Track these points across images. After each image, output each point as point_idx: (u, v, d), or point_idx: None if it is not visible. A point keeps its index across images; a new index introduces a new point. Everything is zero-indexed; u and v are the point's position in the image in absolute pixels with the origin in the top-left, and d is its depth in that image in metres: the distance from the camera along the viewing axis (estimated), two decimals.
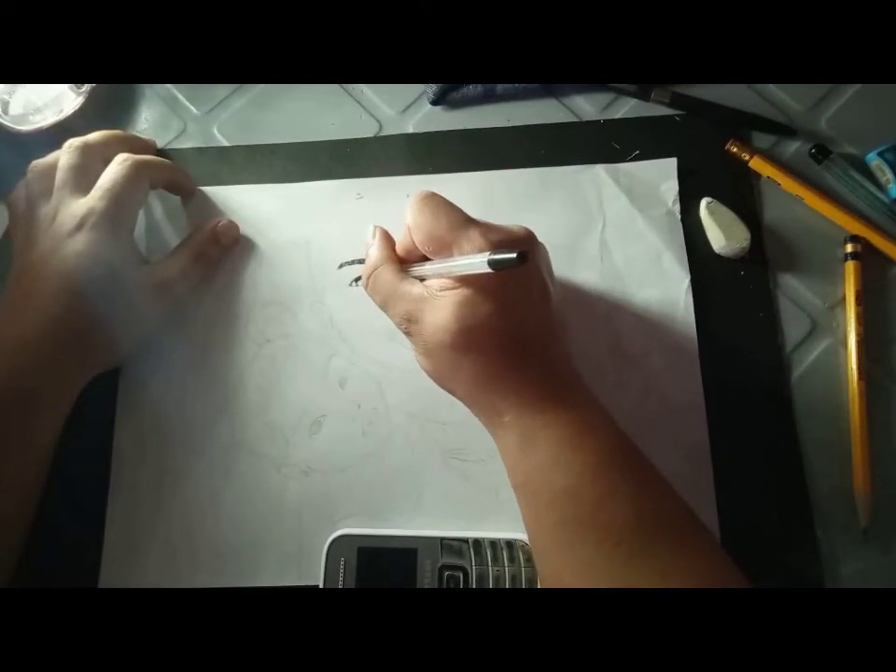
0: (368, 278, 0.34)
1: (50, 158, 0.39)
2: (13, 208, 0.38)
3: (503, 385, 0.30)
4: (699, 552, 0.28)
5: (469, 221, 0.30)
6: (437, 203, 0.31)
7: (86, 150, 0.38)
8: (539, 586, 0.33)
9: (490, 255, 0.26)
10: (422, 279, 0.32)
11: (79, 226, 0.35)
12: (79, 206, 0.36)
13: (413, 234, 0.31)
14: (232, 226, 0.40)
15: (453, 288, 0.29)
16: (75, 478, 0.37)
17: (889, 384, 0.37)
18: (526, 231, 0.31)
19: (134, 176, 0.37)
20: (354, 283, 0.40)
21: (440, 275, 0.30)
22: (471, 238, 0.29)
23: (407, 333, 0.32)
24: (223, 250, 0.40)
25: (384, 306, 0.33)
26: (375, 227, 0.35)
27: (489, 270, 0.26)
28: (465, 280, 0.29)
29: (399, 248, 0.34)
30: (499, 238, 0.29)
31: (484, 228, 0.30)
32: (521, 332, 0.30)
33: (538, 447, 0.29)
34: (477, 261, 0.27)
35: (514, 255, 0.25)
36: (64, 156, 0.38)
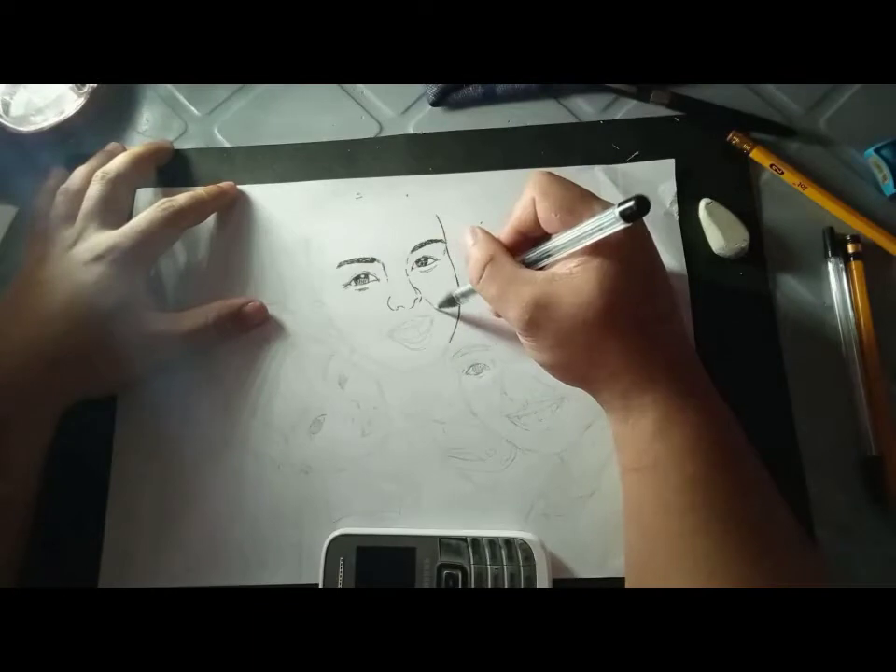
0: (481, 271, 0.32)
1: (79, 181, 0.39)
2: (33, 223, 0.39)
3: (651, 362, 0.29)
4: (808, 562, 0.29)
5: (597, 197, 0.30)
6: (561, 177, 0.31)
7: (116, 182, 0.38)
8: (625, 581, 0.32)
9: (617, 207, 0.26)
10: (539, 268, 0.31)
11: (98, 257, 0.35)
12: (104, 239, 0.36)
13: (541, 204, 0.31)
14: (259, 310, 0.39)
15: (586, 264, 0.29)
16: (75, 478, 0.37)
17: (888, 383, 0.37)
18: None
19: (170, 224, 0.37)
20: (441, 308, 0.39)
21: (565, 250, 0.29)
22: (596, 207, 0.29)
23: (531, 326, 0.30)
24: (244, 330, 0.39)
25: (502, 298, 0.31)
26: (474, 227, 0.34)
27: (621, 223, 0.26)
28: (597, 253, 0.29)
29: (510, 233, 0.33)
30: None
31: (604, 201, 0.30)
32: (659, 305, 0.30)
33: (675, 430, 0.29)
34: (607, 216, 0.27)
35: (634, 199, 0.25)
36: (94, 186, 0.38)
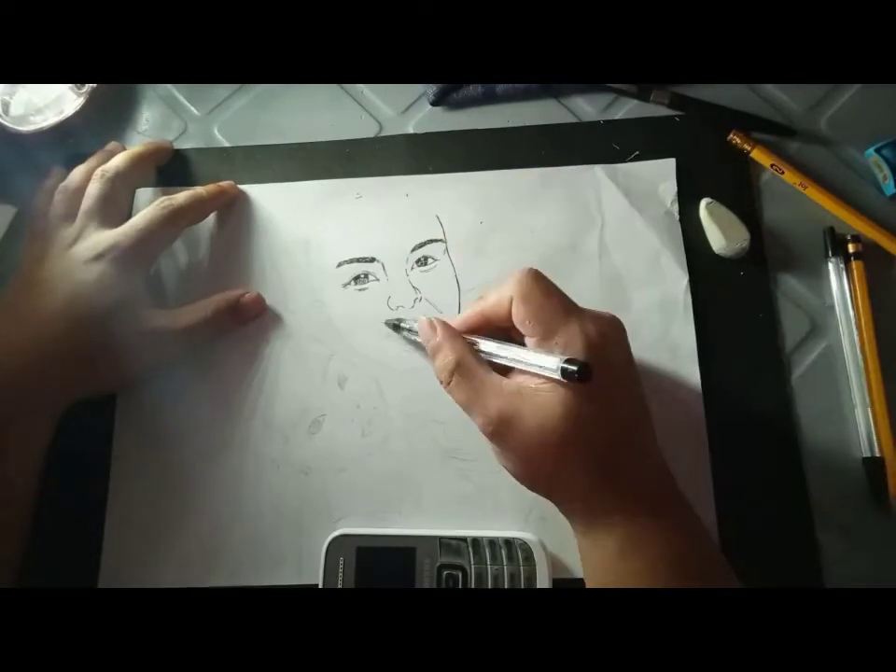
0: (450, 376, 0.31)
1: (78, 179, 0.39)
2: (33, 223, 0.39)
3: (616, 485, 0.28)
4: None
5: (576, 309, 0.30)
6: (549, 282, 0.31)
7: (115, 181, 0.38)
8: None
9: (561, 362, 0.27)
10: (502, 366, 0.30)
11: (98, 256, 0.35)
12: (104, 238, 0.36)
13: (518, 307, 0.30)
14: (257, 301, 0.39)
15: (550, 382, 0.28)
16: (75, 478, 0.37)
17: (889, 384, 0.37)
18: (615, 319, 0.31)
19: (169, 223, 0.37)
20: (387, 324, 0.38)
21: (526, 367, 0.29)
22: (570, 330, 0.29)
23: (496, 435, 0.29)
24: (243, 323, 0.39)
25: (469, 405, 0.30)
26: (430, 319, 0.33)
27: (559, 377, 0.27)
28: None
29: (476, 318, 0.32)
30: (595, 329, 0.29)
31: (587, 318, 0.30)
32: (628, 428, 0.29)
33: (639, 550, 0.28)
34: (549, 364, 0.27)
35: (579, 368, 0.26)
36: (94, 184, 0.38)
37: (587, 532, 0.30)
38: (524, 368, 0.29)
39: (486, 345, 0.31)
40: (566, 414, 0.28)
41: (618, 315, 0.31)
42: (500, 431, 0.29)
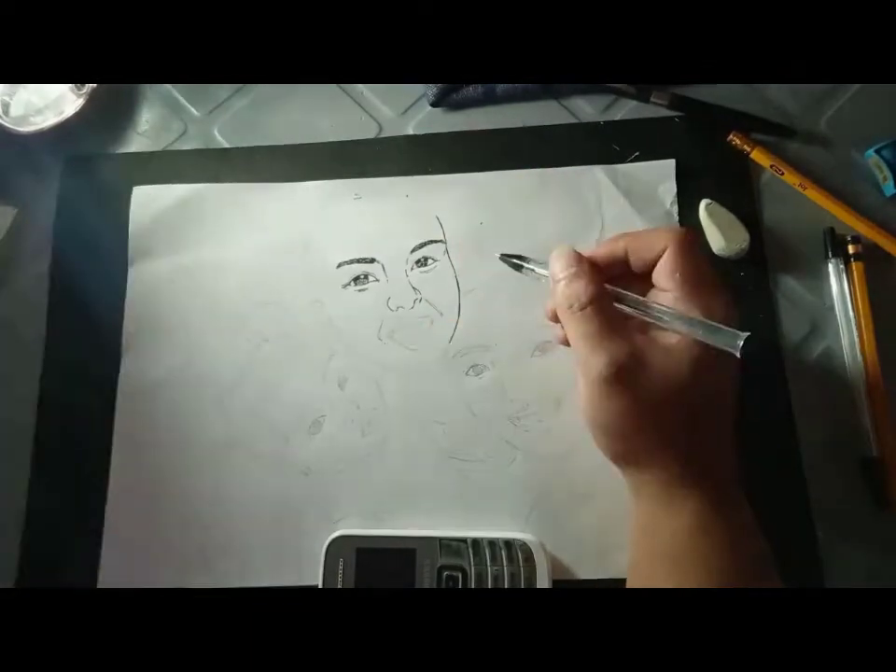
0: (583, 305, 0.30)
1: None
2: None
3: (707, 458, 0.29)
4: None
5: (723, 284, 0.30)
6: (700, 250, 0.31)
7: None
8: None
9: (742, 339, 0.27)
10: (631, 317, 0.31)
11: None
12: None
13: (675, 257, 0.30)
14: None
15: (690, 344, 0.29)
16: (75, 478, 0.37)
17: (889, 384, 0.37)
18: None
19: None
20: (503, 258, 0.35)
21: (669, 324, 0.29)
22: (721, 304, 0.29)
23: (615, 377, 0.28)
24: None
25: (594, 340, 0.29)
26: (571, 251, 0.32)
27: (735, 350, 0.27)
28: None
29: (608, 258, 0.32)
30: (733, 309, 0.30)
31: (731, 299, 0.30)
32: (731, 408, 0.30)
33: (717, 526, 0.29)
34: (727, 338, 0.28)
35: (740, 343, 0.27)
36: None
37: (664, 504, 0.30)
38: (691, 332, 0.29)
39: (630, 301, 0.30)
40: (693, 375, 0.28)
41: None
42: (621, 376, 0.28)
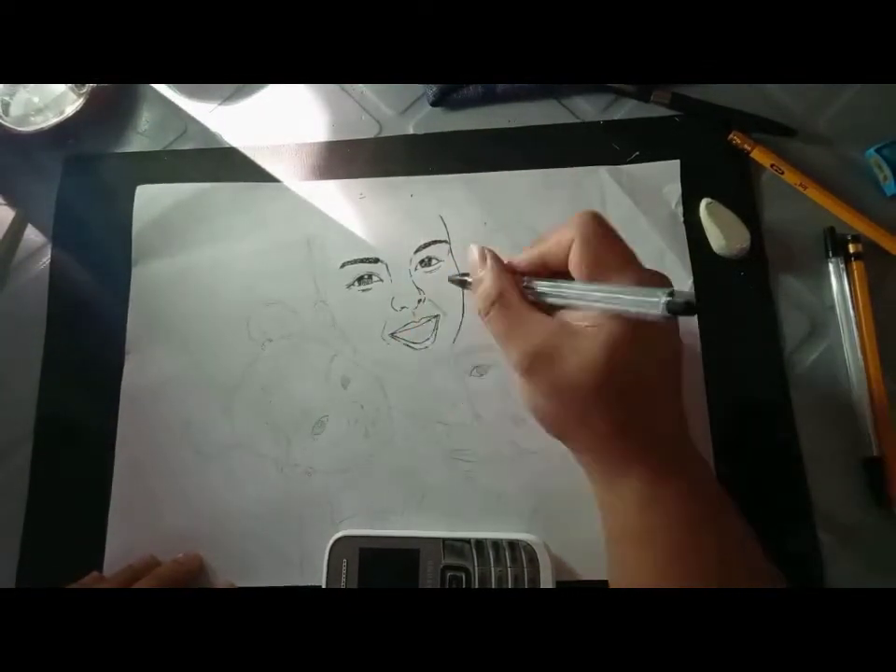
0: (489, 306, 0.31)
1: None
2: None
3: (642, 433, 0.29)
4: None
5: (634, 260, 0.29)
6: (610, 227, 0.30)
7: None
8: None
9: (664, 296, 0.24)
10: (548, 306, 0.30)
11: None
12: None
13: (579, 250, 0.29)
14: (192, 560, 0.36)
15: (600, 326, 0.27)
16: (75, 478, 0.37)
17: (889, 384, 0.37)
18: (667, 278, 0.30)
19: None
20: (457, 283, 0.37)
21: (584, 303, 0.28)
22: (631, 275, 0.28)
23: (531, 370, 0.29)
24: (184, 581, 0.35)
25: (506, 337, 0.30)
26: (482, 247, 0.32)
27: (661, 313, 0.24)
28: (612, 317, 0.27)
29: (534, 260, 0.31)
30: (649, 282, 0.28)
31: (643, 271, 0.29)
32: (661, 382, 0.29)
33: (663, 500, 0.28)
34: (650, 301, 0.25)
35: (685, 302, 0.24)
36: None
37: (606, 485, 0.30)
38: (605, 307, 0.27)
39: (543, 285, 0.30)
40: (607, 358, 0.27)
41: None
42: (536, 367, 0.28)
